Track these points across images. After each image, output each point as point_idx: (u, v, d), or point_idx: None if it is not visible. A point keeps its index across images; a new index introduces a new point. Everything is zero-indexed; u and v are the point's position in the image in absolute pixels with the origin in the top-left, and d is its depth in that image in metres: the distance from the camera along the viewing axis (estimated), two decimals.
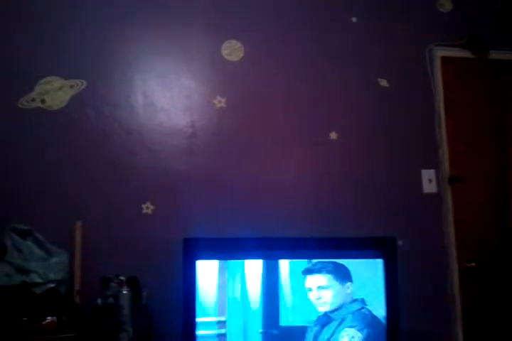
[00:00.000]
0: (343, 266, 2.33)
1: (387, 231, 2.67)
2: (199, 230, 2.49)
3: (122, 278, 2.21)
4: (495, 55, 3.14)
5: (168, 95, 2.74)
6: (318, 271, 2.31)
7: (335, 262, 2.33)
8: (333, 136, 2.86)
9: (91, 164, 2.58)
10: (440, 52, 3.07)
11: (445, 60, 3.07)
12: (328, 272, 2.31)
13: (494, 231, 2.94)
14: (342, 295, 2.30)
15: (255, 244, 2.40)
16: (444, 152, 2.98)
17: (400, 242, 2.65)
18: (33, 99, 2.57)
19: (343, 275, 2.32)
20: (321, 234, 2.62)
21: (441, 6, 3.13)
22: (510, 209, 2.92)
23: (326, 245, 2.46)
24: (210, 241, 2.34)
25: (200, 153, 2.71)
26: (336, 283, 2.31)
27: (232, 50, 2.84)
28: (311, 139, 2.85)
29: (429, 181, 2.93)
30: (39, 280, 2.23)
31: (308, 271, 2.32)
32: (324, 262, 2.33)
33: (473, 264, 2.87)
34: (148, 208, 2.60)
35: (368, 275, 2.43)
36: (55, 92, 2.60)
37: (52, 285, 2.25)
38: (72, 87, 2.62)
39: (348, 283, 2.30)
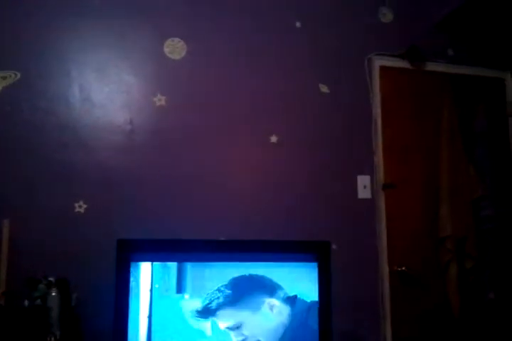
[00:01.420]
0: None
1: (322, 234, 2.72)
2: (134, 231, 2.44)
3: (51, 279, 2.13)
4: (431, 66, 3.25)
5: (107, 90, 2.66)
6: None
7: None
8: (273, 139, 2.87)
9: (22, 159, 2.47)
10: (379, 62, 3.15)
11: (384, 69, 3.15)
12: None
13: (425, 237, 3.03)
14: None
15: (188, 245, 2.37)
16: (379, 159, 3.05)
17: (334, 246, 2.71)
18: None
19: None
20: (255, 236, 2.63)
21: (383, 15, 3.21)
22: (440, 216, 3.02)
23: (259, 248, 2.46)
24: (144, 242, 2.29)
25: (138, 151, 2.65)
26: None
27: (175, 48, 2.80)
28: (252, 141, 2.85)
29: (363, 187, 3.00)
30: None
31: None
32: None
33: (403, 268, 2.95)
34: (80, 207, 2.51)
35: (302, 279, 2.45)
36: None
37: None
38: (4, 78, 2.50)
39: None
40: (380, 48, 3.15)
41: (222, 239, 2.62)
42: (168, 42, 2.79)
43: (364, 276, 2.90)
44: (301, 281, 2.41)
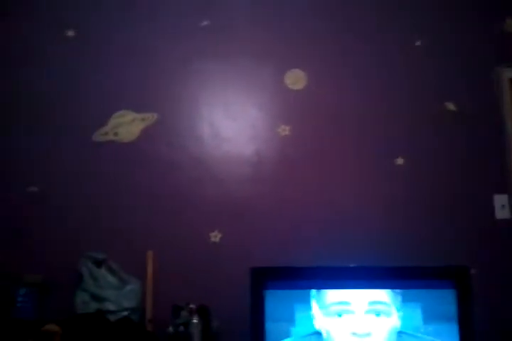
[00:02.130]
0: None
1: (459, 259, 2.60)
2: (266, 259, 2.51)
3: (192, 306, 2.25)
4: None
5: (234, 125, 2.81)
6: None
7: None
8: (399, 161, 2.83)
9: (160, 194, 2.68)
10: (509, 74, 2.98)
11: None
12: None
13: None
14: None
15: (323, 273, 2.38)
16: None
17: (473, 271, 2.57)
18: (107, 133, 2.71)
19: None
20: (390, 262, 2.58)
21: (508, 26, 3.06)
22: None
23: (394, 275, 2.41)
24: (276, 270, 2.35)
25: (266, 181, 2.75)
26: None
27: (296, 79, 2.88)
28: (378, 164, 2.82)
29: (502, 206, 2.83)
30: (113, 308, 2.32)
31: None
32: None
33: None
34: (216, 237, 2.65)
35: (439, 306, 2.36)
36: (127, 125, 2.73)
37: (125, 313, 2.33)
38: (143, 120, 2.74)
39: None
40: (509, 60, 2.99)
41: (352, 265, 2.60)
42: (289, 73, 2.88)
43: (508, 303, 2.71)
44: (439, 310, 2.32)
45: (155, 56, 2.84)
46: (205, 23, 2.89)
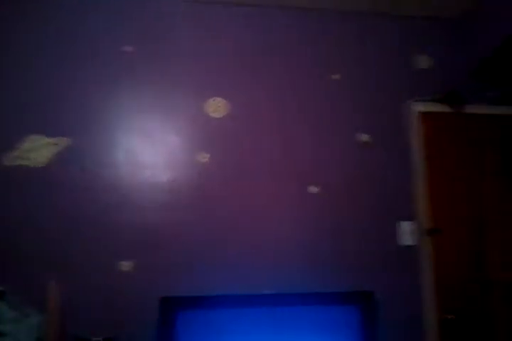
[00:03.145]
0: None
1: (365, 284, 2.72)
2: (177, 288, 2.52)
3: (97, 339, 2.22)
4: (471, 109, 3.21)
5: (151, 151, 2.81)
6: None
7: None
8: (313, 189, 2.92)
9: (71, 221, 2.63)
10: (418, 107, 3.16)
11: (423, 114, 3.15)
12: None
13: (473, 282, 2.96)
14: None
15: (234, 301, 2.43)
16: (423, 204, 3.03)
17: (377, 295, 2.69)
18: (17, 157, 2.65)
19: None
20: (298, 289, 2.66)
21: (419, 62, 3.24)
22: (487, 261, 2.94)
23: (300, 301, 2.49)
24: (188, 299, 2.37)
25: (182, 209, 2.75)
26: None
27: (217, 107, 2.92)
28: (291, 192, 2.90)
29: (406, 233, 2.98)
30: None
31: None
32: None
33: (452, 316, 2.88)
34: (127, 266, 2.62)
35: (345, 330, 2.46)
36: (38, 150, 2.67)
37: None
38: (56, 144, 2.69)
39: None
40: (418, 94, 3.17)
41: (266, 292, 2.66)
42: (211, 101, 2.92)
43: (410, 325, 2.84)
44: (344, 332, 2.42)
45: (71, 79, 2.80)
46: (126, 48, 2.89)
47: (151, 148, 2.82)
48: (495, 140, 3.17)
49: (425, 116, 3.16)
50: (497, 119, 3.23)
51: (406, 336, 2.82)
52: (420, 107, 3.17)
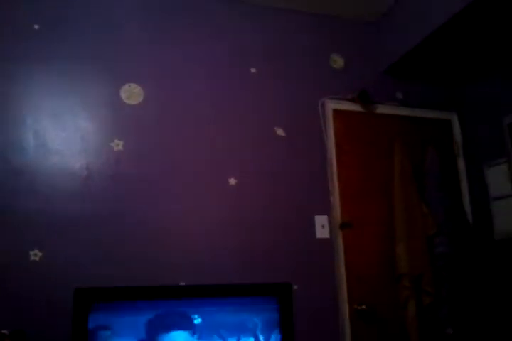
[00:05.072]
0: None
1: (283, 276, 2.73)
2: (91, 278, 2.38)
3: (5, 331, 2.05)
4: (381, 109, 3.39)
5: (63, 136, 2.65)
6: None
7: None
8: (232, 181, 2.90)
9: None
10: (332, 105, 3.27)
11: (337, 112, 3.27)
12: None
13: (383, 275, 3.08)
14: None
15: (152, 292, 2.35)
16: (336, 199, 3.11)
17: (295, 287, 2.71)
18: None
19: None
20: (216, 281, 2.62)
21: (334, 62, 3.36)
22: (396, 254, 3.07)
23: (217, 292, 2.46)
24: (103, 290, 2.25)
25: (94, 196, 2.62)
26: None
27: (132, 94, 2.83)
28: (210, 184, 2.86)
29: (322, 227, 3.04)
30: None
31: None
32: None
33: (363, 307, 2.97)
34: (36, 255, 2.45)
35: (263, 321, 2.45)
36: None
37: None
38: None
39: None
40: (332, 93, 3.27)
41: (182, 284, 2.59)
42: (125, 87, 2.82)
43: (325, 315, 2.89)
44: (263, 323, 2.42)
45: None
46: (35, 26, 2.72)
47: (61, 133, 2.65)
48: (402, 140, 3.33)
49: (338, 113, 3.28)
50: (403, 120, 3.42)
51: (322, 326, 2.87)
52: (334, 105, 3.28)
